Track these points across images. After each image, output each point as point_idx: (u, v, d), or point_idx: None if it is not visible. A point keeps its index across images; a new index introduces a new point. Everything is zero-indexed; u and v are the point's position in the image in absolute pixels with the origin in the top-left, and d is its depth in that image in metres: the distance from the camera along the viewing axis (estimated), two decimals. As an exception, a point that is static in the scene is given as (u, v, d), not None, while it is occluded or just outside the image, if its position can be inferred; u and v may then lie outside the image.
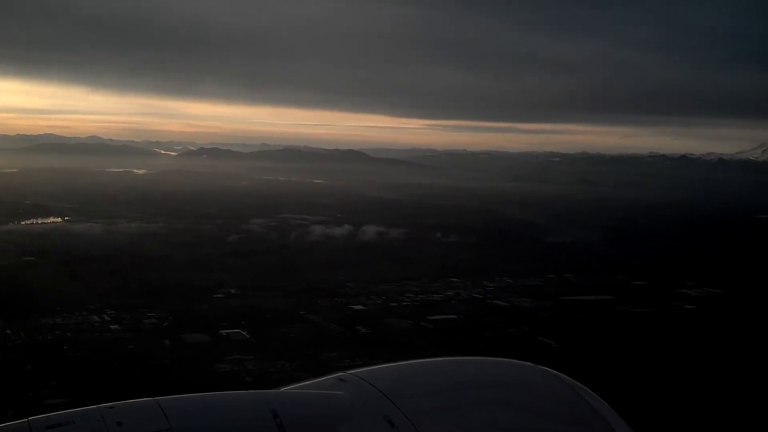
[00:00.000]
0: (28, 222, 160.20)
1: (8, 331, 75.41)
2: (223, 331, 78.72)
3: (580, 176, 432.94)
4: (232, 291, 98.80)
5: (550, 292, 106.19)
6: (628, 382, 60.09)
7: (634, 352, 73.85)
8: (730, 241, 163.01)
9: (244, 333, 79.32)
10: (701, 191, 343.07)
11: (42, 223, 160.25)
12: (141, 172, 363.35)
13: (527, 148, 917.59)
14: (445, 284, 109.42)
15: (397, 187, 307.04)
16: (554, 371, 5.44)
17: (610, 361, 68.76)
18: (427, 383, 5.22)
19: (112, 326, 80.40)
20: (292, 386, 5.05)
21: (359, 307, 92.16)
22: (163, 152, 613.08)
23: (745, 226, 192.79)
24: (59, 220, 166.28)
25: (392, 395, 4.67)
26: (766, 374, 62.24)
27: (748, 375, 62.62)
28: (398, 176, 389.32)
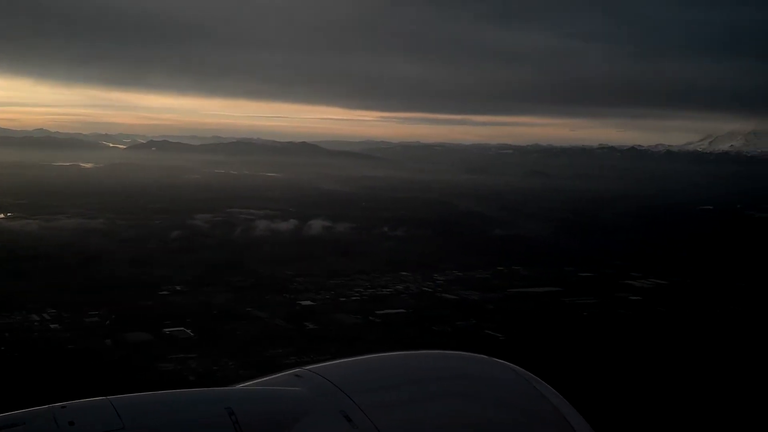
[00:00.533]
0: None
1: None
2: (167, 329, 77.18)
3: (532, 168, 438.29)
4: (178, 288, 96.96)
5: (498, 285, 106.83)
6: (571, 372, 60.56)
7: (577, 343, 74.63)
8: (674, 233, 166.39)
9: (188, 331, 77.89)
10: (649, 183, 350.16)
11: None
12: (88, 165, 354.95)
13: (481, 140, 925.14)
14: (395, 278, 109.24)
15: (351, 180, 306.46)
16: (510, 364, 5.43)
17: (554, 352, 69.29)
18: (384, 377, 5.17)
19: (52, 325, 78.23)
20: (247, 383, 4.94)
21: (307, 302, 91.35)
22: (111, 145, 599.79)
23: (690, 218, 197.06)
24: (1, 216, 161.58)
25: (349, 390, 4.62)
26: (706, 362, 63.47)
27: (688, 363, 63.72)
28: (352, 169, 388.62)
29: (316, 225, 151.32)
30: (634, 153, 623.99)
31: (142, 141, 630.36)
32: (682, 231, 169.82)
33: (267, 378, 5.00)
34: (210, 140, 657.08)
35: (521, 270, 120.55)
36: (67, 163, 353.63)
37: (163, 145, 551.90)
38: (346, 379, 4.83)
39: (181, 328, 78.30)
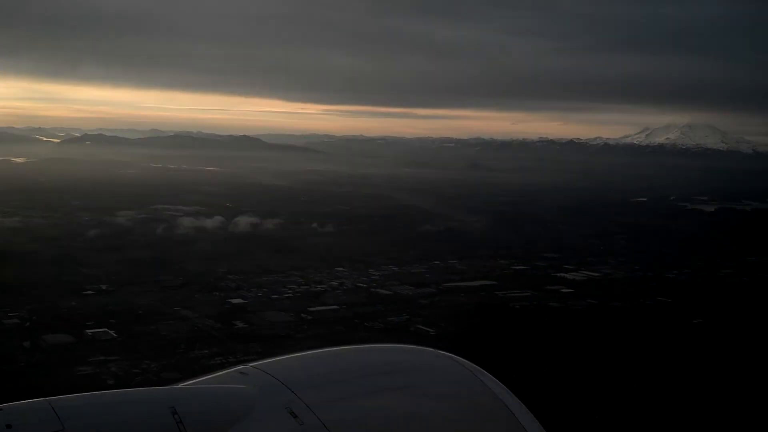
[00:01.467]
0: None
1: None
2: (89, 331, 74.53)
3: (473, 161, 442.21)
4: (103, 287, 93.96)
5: (433, 279, 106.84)
6: (499, 366, 60.49)
7: (505, 337, 74.83)
8: (608, 225, 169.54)
9: (112, 332, 75.25)
10: (586, 175, 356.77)
11: None
12: (20, 160, 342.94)
13: (424, 133, 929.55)
14: (330, 274, 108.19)
15: (291, 175, 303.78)
16: (454, 356, 5.49)
17: (482, 346, 69.23)
18: (330, 372, 5.16)
19: (-34, 329, 74.80)
20: (191, 381, 4.92)
21: (238, 300, 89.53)
22: (44, 139, 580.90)
23: (624, 210, 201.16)
24: None
25: (294, 386, 4.63)
26: (635, 353, 64.29)
27: (616, 354, 64.43)
28: (294, 163, 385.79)
29: (251, 220, 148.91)
30: (573, 146, 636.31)
31: (77, 135, 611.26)
32: (616, 223, 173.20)
33: (211, 376, 4.98)
34: (148, 134, 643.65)
35: (457, 264, 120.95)
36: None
37: (98, 138, 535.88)
38: (292, 376, 4.83)
39: (104, 329, 75.60)
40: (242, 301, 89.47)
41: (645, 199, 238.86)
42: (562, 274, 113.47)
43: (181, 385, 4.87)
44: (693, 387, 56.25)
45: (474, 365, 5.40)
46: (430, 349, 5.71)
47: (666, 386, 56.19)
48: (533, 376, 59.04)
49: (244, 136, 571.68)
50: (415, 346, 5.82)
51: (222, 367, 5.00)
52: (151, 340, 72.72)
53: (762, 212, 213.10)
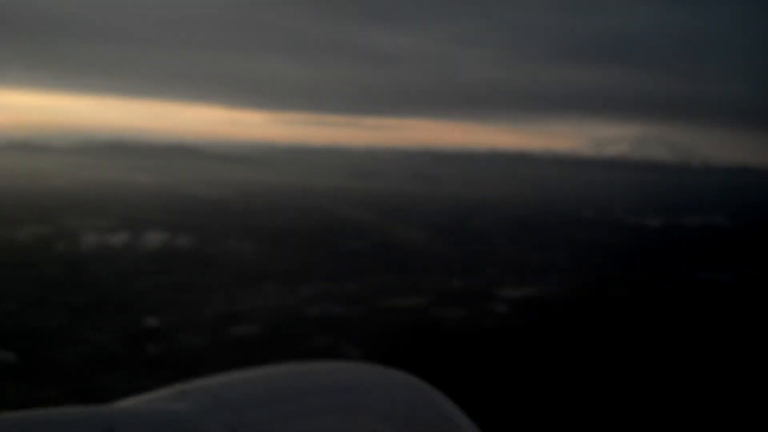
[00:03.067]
0: None
1: None
2: (-16, 356, 67.92)
3: (420, 172, 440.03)
4: (8, 308, 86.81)
5: (365, 297, 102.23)
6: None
7: (433, 357, 70.68)
8: (551, 239, 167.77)
9: (13, 356, 69.24)
10: (534, 188, 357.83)
11: None
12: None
13: (371, 142, 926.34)
14: (257, 292, 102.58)
15: (228, 185, 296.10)
16: (404, 373, 5.36)
17: (409, 368, 64.86)
18: (274, 390, 4.77)
19: None
20: (127, 400, 4.55)
21: (153, 322, 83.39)
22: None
23: (568, 224, 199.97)
24: None
25: (237, 405, 4.35)
26: (570, 375, 60.75)
27: (537, 378, 60.77)
28: (233, 173, 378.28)
29: (177, 235, 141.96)
30: (522, 158, 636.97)
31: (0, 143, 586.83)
32: (559, 238, 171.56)
33: (150, 395, 4.62)
34: (81, 141, 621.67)
35: (392, 281, 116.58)
36: None
37: (24, 147, 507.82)
38: (235, 394, 4.50)
39: (4, 352, 69.59)
40: (157, 322, 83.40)
41: (591, 213, 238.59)
42: (499, 291, 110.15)
43: (118, 403, 4.45)
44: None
45: (422, 382, 5.22)
46: (378, 365, 5.42)
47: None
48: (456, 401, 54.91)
49: (181, 144, 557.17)
50: (363, 363, 5.56)
51: (127, 394, 4.54)
52: (55, 365, 67.53)
53: (708, 227, 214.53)
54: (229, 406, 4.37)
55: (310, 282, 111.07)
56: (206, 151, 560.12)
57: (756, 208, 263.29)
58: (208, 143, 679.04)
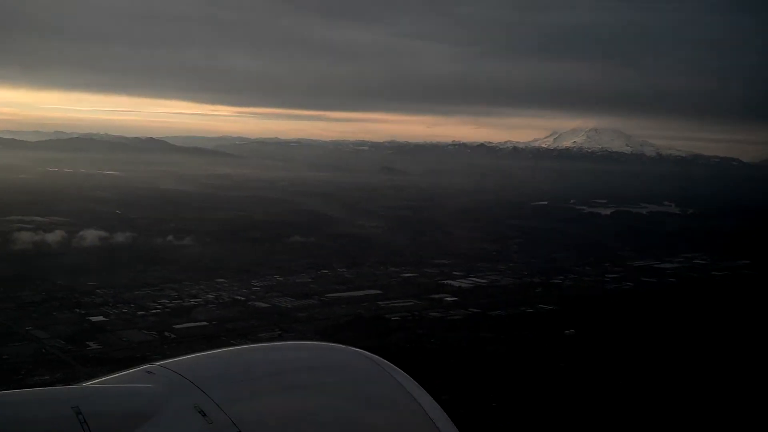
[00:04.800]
0: None
1: None
2: None
3: (385, 164, 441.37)
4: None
5: (317, 290, 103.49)
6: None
7: (377, 349, 72.25)
8: (504, 229, 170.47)
9: (-49, 355, 69.22)
10: (493, 179, 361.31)
11: None
12: None
13: (339, 136, 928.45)
14: (209, 286, 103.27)
15: (195, 179, 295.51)
16: (366, 352, 5.52)
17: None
18: (240, 370, 5.09)
19: None
20: (95, 381, 4.82)
21: (99, 318, 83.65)
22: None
23: (522, 213, 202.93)
24: None
25: (203, 385, 4.56)
26: (492, 369, 62.53)
27: (471, 370, 62.52)
28: (201, 167, 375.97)
29: (135, 229, 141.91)
30: (484, 149, 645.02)
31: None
32: (513, 227, 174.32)
33: (116, 375, 4.85)
34: (51, 136, 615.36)
35: (346, 272, 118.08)
36: None
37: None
38: (201, 374, 4.73)
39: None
40: (103, 319, 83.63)
41: (546, 203, 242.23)
42: (450, 282, 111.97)
43: (85, 384, 4.69)
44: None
45: (387, 362, 5.37)
46: (343, 345, 5.69)
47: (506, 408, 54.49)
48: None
49: (150, 138, 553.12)
50: (327, 343, 5.81)
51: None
52: (-7, 364, 67.21)
53: (657, 215, 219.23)
54: (196, 385, 4.55)
55: (263, 275, 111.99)
56: (175, 145, 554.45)
57: (705, 197, 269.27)
58: (177, 137, 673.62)
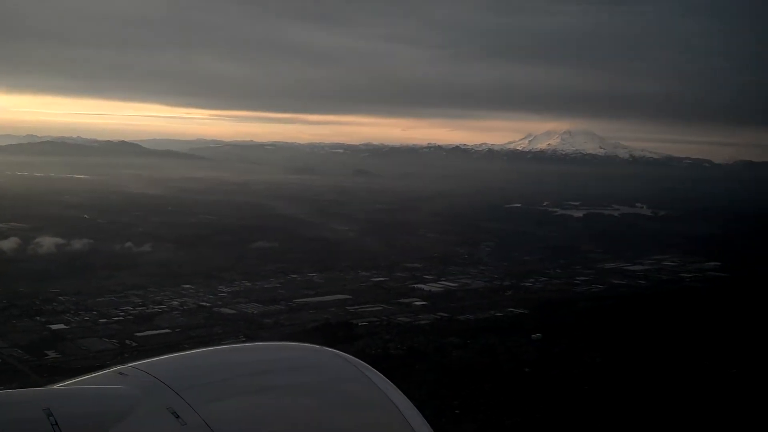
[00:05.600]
0: None
1: None
2: None
3: (360, 167, 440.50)
4: None
5: (286, 295, 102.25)
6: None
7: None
8: (477, 232, 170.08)
9: None
10: (468, 181, 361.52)
11: None
12: None
13: (315, 139, 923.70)
14: (174, 292, 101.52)
15: (166, 182, 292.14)
16: (341, 352, 5.51)
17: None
18: (214, 371, 5.03)
19: None
20: (67, 382, 4.78)
21: (60, 326, 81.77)
22: None
23: (495, 216, 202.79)
24: None
25: (176, 386, 4.51)
26: (455, 375, 61.65)
27: (435, 377, 61.63)
28: (175, 170, 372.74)
29: (102, 233, 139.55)
30: (459, 152, 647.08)
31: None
32: (485, 230, 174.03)
33: (88, 376, 4.83)
34: (22, 139, 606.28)
35: (315, 277, 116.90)
36: None
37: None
38: (174, 375, 4.69)
39: None
40: (64, 327, 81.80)
41: (519, 205, 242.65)
42: (420, 286, 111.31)
43: (57, 385, 4.64)
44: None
45: (361, 362, 5.33)
46: (318, 346, 5.64)
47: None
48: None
49: (123, 141, 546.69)
50: (302, 344, 5.71)
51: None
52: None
53: (629, 217, 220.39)
54: (168, 386, 4.49)
55: (230, 280, 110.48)
56: (148, 149, 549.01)
57: (676, 199, 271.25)
58: (151, 140, 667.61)
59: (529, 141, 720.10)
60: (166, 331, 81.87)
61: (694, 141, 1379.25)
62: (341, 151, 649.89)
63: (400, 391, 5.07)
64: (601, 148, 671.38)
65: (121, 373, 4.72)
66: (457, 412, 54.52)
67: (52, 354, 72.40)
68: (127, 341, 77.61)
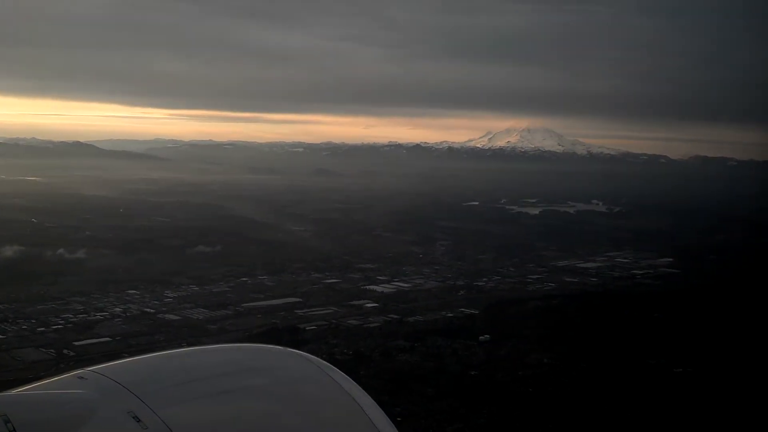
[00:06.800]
0: None
1: None
2: None
3: (320, 166, 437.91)
4: None
5: (234, 299, 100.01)
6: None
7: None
8: (433, 231, 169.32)
9: None
10: (428, 179, 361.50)
11: None
12: None
13: (275, 138, 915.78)
14: (118, 298, 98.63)
15: (120, 184, 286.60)
16: (305, 353, 5.49)
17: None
18: (176, 374, 4.99)
19: None
20: (24, 388, 4.67)
21: (-6, 336, 78.84)
22: None
23: (453, 214, 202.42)
24: None
25: (137, 390, 4.47)
26: (402, 377, 60.49)
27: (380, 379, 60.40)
28: (131, 171, 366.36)
29: (49, 237, 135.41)
30: (419, 150, 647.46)
31: None
32: (442, 229, 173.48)
33: (47, 381, 4.74)
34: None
35: (267, 280, 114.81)
36: None
37: None
38: (135, 379, 4.65)
39: None
40: (0, 336, 78.89)
41: (477, 203, 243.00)
42: (373, 287, 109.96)
43: (14, 391, 4.55)
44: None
45: (325, 362, 5.36)
46: (279, 347, 5.65)
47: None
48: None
49: (77, 142, 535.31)
50: (265, 345, 5.72)
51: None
52: None
53: (584, 214, 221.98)
54: (129, 390, 4.38)
55: (178, 285, 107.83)
56: (104, 149, 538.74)
57: (632, 195, 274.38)
58: (106, 141, 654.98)
59: (489, 139, 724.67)
60: (106, 339, 79.24)
61: (651, 137, 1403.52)
62: (301, 150, 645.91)
63: (364, 392, 5.08)
64: (560, 145, 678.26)
65: (80, 378, 4.60)
66: (399, 419, 53.29)
67: (-17, 366, 69.40)
68: (65, 351, 74.82)
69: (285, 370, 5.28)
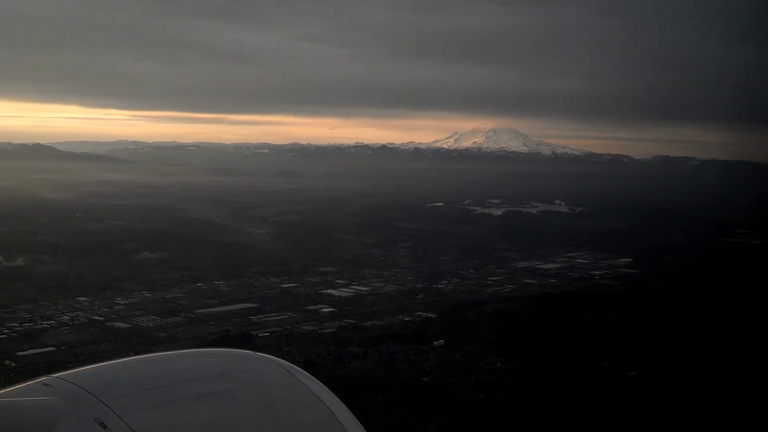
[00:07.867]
0: None
1: None
2: None
3: (285, 167, 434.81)
4: None
5: (187, 306, 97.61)
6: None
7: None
8: (395, 232, 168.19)
9: None
10: (393, 180, 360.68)
11: None
12: None
13: (240, 139, 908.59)
14: (67, 306, 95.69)
15: (79, 186, 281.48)
16: (274, 357, 5.46)
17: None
18: (143, 380, 4.88)
19: None
20: None
21: (-70, 347, 75.67)
22: None
23: (416, 215, 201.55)
24: None
25: (104, 396, 4.40)
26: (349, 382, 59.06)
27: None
28: (89, 173, 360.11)
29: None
30: (385, 151, 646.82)
31: None
32: (404, 230, 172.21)
33: (11, 388, 4.66)
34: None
35: (222, 285, 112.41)
36: None
37: None
38: (101, 385, 4.59)
39: None
40: (-65, 348, 75.76)
41: (441, 204, 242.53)
42: (330, 291, 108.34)
43: None
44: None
45: (292, 365, 5.33)
46: (250, 351, 5.62)
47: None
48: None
49: (37, 144, 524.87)
50: (234, 350, 5.72)
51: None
52: None
53: (546, 214, 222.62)
54: (96, 396, 4.31)
55: (130, 291, 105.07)
56: (64, 151, 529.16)
57: (595, 195, 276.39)
58: (67, 143, 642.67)
59: (455, 139, 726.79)
60: (51, 349, 76.54)
61: (615, 137, 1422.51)
62: (267, 151, 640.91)
63: (332, 394, 5.05)
64: (524, 145, 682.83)
65: (45, 384, 4.56)
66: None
67: None
68: (7, 361, 72.06)
69: (252, 374, 5.23)
